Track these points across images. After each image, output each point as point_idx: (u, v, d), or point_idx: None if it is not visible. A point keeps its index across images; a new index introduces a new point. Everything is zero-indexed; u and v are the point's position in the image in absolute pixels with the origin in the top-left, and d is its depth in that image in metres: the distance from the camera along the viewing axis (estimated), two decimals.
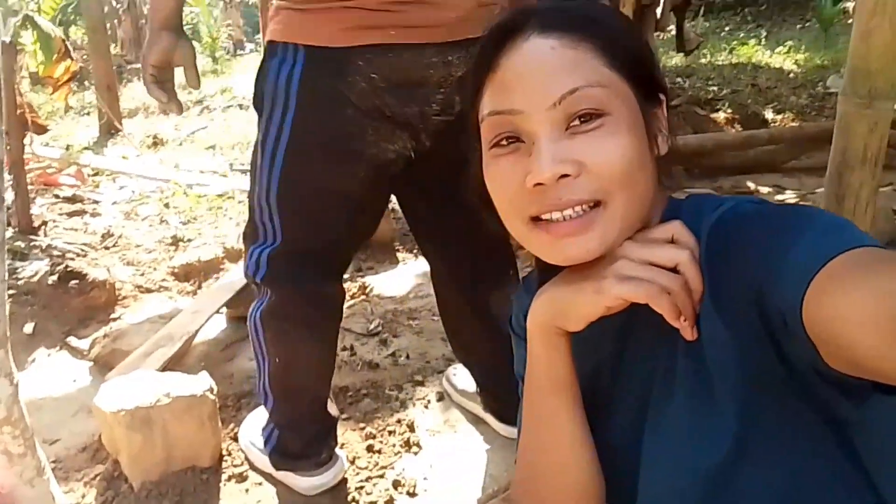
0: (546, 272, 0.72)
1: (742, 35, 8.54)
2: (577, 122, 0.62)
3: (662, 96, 0.70)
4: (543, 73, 0.62)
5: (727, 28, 9.16)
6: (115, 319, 2.35)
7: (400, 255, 2.85)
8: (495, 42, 0.65)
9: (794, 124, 4.36)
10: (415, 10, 1.18)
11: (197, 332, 2.13)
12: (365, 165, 1.27)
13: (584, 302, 0.65)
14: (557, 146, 0.62)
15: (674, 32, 5.80)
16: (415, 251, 2.77)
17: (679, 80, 5.56)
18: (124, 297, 2.46)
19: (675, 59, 6.56)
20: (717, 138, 3.75)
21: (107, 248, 2.89)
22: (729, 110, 4.59)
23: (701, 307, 0.62)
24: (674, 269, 0.62)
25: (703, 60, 6.86)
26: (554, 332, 0.69)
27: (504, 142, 0.65)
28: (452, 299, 1.61)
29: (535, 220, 0.65)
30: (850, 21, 8.70)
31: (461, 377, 1.83)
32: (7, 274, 1.29)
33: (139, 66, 1.71)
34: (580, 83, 0.62)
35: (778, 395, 0.58)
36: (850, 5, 9.54)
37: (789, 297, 0.52)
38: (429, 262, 1.61)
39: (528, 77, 0.63)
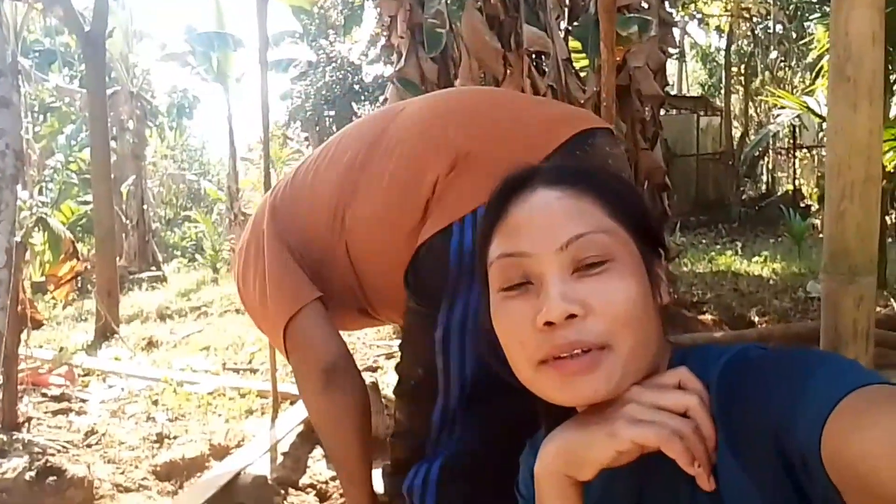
0: (552, 423, 0.71)
1: (719, 247, 9.01)
2: (582, 267, 0.65)
3: (662, 251, 0.74)
4: (551, 220, 0.67)
5: (703, 242, 9.67)
6: None
7: None
8: (504, 194, 0.71)
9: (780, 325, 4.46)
10: None
11: None
12: None
13: (595, 446, 0.63)
14: (565, 286, 0.64)
15: None
16: None
17: None
18: (101, 497, 2.32)
19: None
20: (709, 337, 3.82)
21: (89, 445, 2.78)
22: (715, 312, 4.71)
23: (717, 455, 0.61)
24: (683, 415, 0.62)
25: (684, 269, 7.16)
26: (565, 482, 0.67)
27: (513, 285, 0.68)
28: None
29: (543, 362, 0.65)
30: (819, 235, 9.26)
31: None
32: None
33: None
34: (585, 229, 0.66)
35: None
36: (817, 221, 10.22)
37: (807, 437, 0.53)
38: None
39: (537, 223, 0.68)
